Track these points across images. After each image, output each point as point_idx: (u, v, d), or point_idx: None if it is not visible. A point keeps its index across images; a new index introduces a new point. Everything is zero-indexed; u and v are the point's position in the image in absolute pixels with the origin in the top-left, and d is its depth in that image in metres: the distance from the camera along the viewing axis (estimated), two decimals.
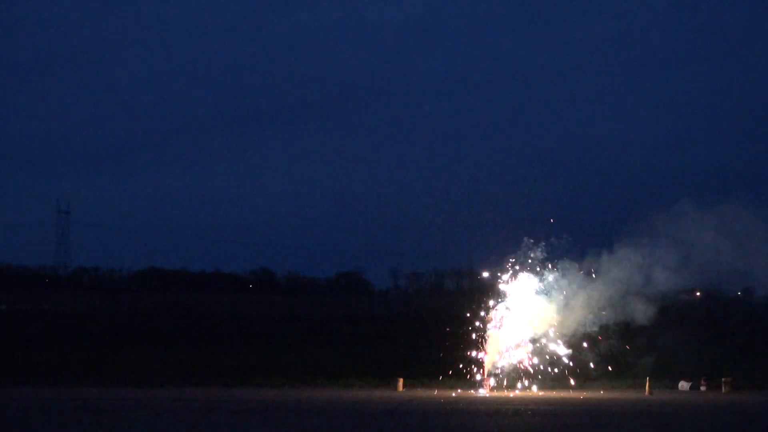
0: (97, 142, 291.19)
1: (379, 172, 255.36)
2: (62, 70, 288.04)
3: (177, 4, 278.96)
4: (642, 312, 50.10)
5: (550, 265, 50.65)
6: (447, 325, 52.46)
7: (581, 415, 38.76)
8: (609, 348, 51.10)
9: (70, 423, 35.50)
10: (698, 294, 52.98)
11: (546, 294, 50.72)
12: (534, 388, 50.07)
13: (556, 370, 50.58)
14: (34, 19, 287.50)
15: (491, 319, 50.95)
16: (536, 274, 50.77)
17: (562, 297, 50.46)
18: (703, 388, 51.94)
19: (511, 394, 48.70)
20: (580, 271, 50.46)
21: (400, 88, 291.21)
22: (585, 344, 50.37)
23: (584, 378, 51.58)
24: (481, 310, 51.01)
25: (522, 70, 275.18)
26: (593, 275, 50.29)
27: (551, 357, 50.56)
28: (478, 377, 50.48)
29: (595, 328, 50.25)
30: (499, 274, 51.23)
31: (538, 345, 50.72)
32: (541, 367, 50.56)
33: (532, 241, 50.63)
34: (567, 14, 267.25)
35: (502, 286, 51.09)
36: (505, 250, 51.52)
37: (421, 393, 49.08)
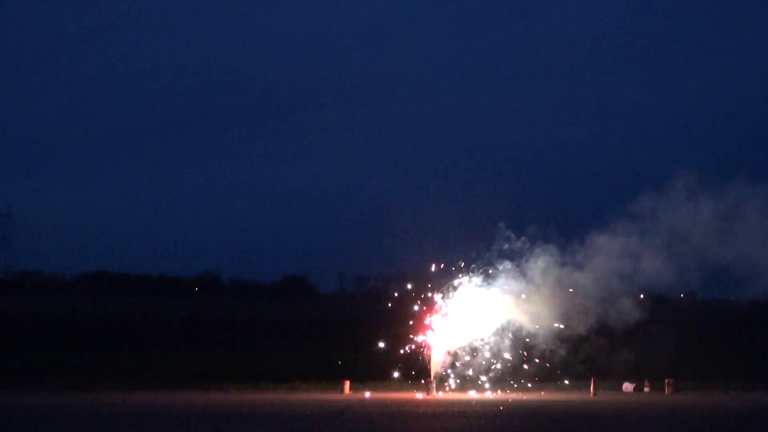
0: (39, 144, 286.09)
1: (324, 174, 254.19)
2: (3, 67, 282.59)
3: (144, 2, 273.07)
4: (626, 311, 48.96)
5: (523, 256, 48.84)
6: (393, 327, 52.26)
7: (526, 418, 38.94)
8: (588, 348, 50.57)
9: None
10: (642, 296, 52.38)
11: (510, 284, 49.14)
12: (476, 390, 49.95)
13: (510, 369, 50.07)
14: None
15: (439, 319, 50.56)
16: (513, 263, 48.96)
17: (537, 289, 48.85)
18: (646, 389, 52.40)
19: (457, 396, 48.69)
20: (558, 261, 48.73)
21: (352, 89, 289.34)
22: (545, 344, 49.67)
23: (550, 378, 51.42)
24: (428, 311, 50.71)
25: (463, 72, 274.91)
26: (572, 266, 48.73)
27: (510, 355, 49.99)
28: (425, 379, 50.30)
29: (581, 331, 49.15)
30: (451, 271, 50.36)
31: (491, 344, 50.13)
32: (495, 366, 50.24)
33: (511, 233, 48.53)
34: (553, 13, 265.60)
35: (454, 285, 50.35)
36: (458, 249, 50.61)
37: (367, 395, 48.94)
